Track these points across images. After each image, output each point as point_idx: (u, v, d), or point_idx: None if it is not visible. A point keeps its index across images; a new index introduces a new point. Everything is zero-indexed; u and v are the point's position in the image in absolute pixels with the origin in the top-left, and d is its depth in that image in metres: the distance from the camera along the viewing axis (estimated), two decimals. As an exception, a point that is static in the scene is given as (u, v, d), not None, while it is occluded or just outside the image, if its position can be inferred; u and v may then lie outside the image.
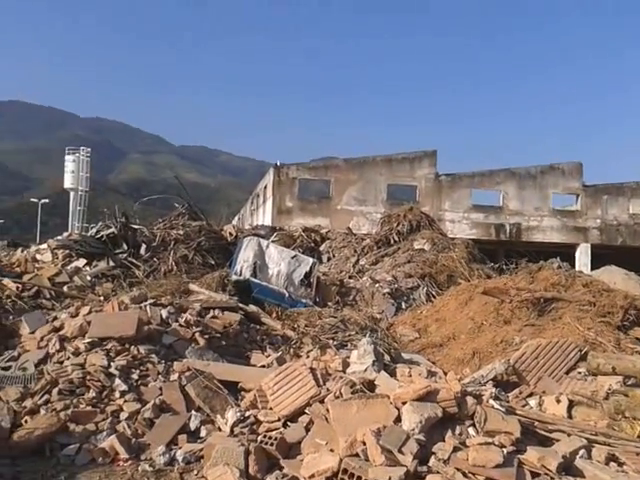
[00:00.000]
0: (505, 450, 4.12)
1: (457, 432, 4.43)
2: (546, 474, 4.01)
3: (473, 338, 8.24)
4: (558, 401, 5.49)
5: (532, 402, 5.69)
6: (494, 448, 4.10)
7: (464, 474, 4.02)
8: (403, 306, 12.10)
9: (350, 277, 14.41)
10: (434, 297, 12.35)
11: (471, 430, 4.42)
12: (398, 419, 4.55)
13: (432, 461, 4.18)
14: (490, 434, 4.34)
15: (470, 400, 4.65)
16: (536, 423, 4.77)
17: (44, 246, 12.91)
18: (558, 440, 4.55)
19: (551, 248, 30.70)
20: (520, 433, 4.37)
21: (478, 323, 8.71)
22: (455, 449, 4.21)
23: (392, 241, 17.24)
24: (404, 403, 4.63)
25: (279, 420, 5.14)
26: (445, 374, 6.07)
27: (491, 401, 4.80)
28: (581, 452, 4.34)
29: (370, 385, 5.39)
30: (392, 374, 5.76)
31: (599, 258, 29.94)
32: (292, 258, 11.55)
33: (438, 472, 4.08)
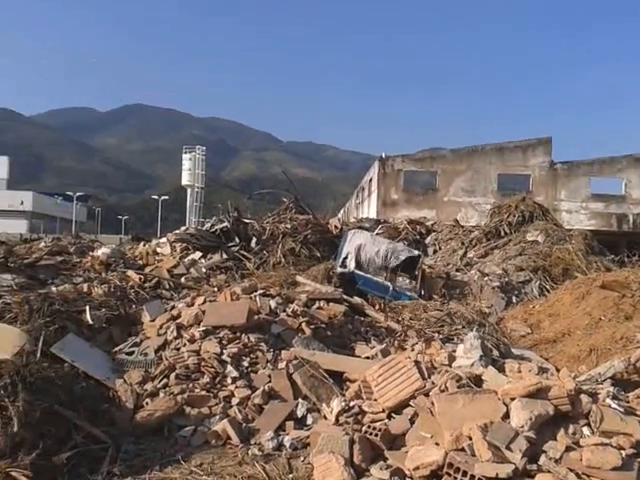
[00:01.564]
0: (624, 452, 3.87)
1: (570, 431, 4.22)
2: (671, 481, 3.73)
3: (590, 334, 7.79)
4: (687, 404, 5.07)
5: (656, 404, 5.29)
6: (611, 449, 3.87)
7: (577, 475, 3.83)
8: (514, 300, 11.66)
9: (457, 270, 14.09)
10: (548, 291, 11.80)
11: (586, 430, 4.20)
12: (506, 415, 4.42)
13: (542, 460, 4.02)
14: (607, 435, 4.09)
15: (585, 398, 4.42)
16: (660, 426, 4.44)
17: (164, 240, 13.76)
18: (686, 446, 4.21)
19: (681, 239, 28.21)
20: (641, 436, 4.09)
21: (596, 318, 8.22)
22: (568, 449, 4.02)
23: (502, 233, 16.65)
24: (513, 399, 4.49)
25: (383, 411, 5.15)
26: (558, 371, 5.79)
27: (608, 400, 4.52)
28: None
29: (477, 380, 5.26)
30: (500, 370, 5.58)
31: None
32: (396, 250, 11.48)
33: (549, 471, 3.92)
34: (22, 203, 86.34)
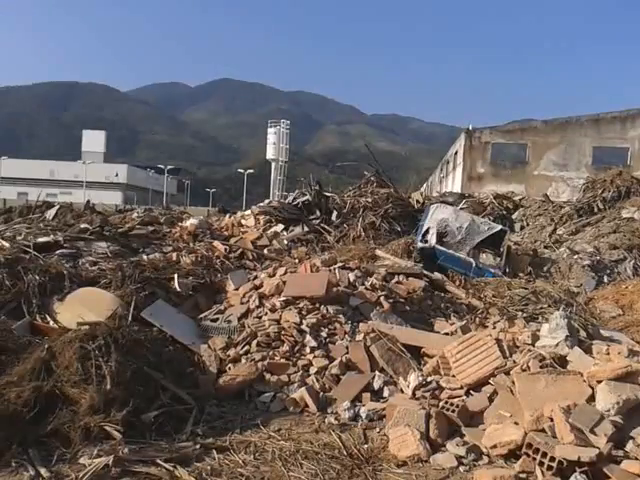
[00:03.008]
0: None
1: (661, 418, 4.02)
2: None
3: (688, 317, 7.30)
4: None
5: None
6: None
7: (668, 464, 3.64)
8: (605, 280, 11.08)
9: (545, 247, 13.55)
10: (643, 271, 11.13)
11: (679, 418, 3.98)
12: (591, 398, 4.27)
13: (630, 446, 3.86)
14: (703, 424, 3.86)
15: (679, 385, 4.17)
16: None
17: (248, 212, 14.07)
18: None
19: None
20: None
21: (696, 301, 7.68)
22: (658, 436, 3.83)
23: (596, 209, 15.81)
24: (599, 382, 4.32)
25: (461, 388, 5.10)
26: (651, 355, 5.48)
27: None
28: None
29: (561, 361, 5.09)
30: (587, 351, 5.36)
31: None
32: (481, 225, 11.15)
33: (637, 459, 3.76)
34: (117, 175, 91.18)
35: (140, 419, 4.55)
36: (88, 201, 15.56)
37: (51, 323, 6.18)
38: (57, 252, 8.39)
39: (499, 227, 11.29)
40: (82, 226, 9.99)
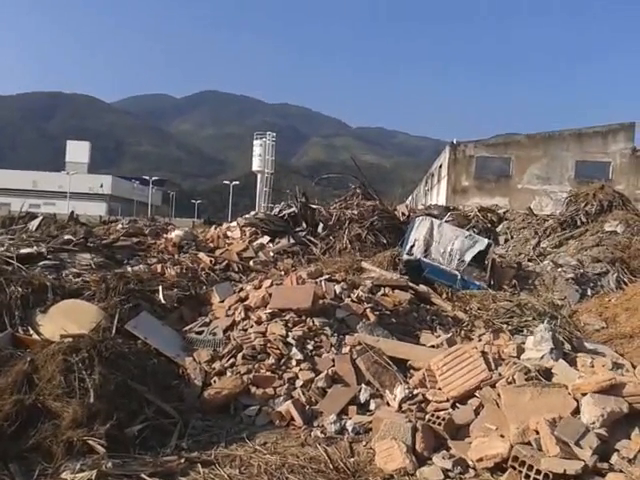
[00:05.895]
0: None
1: (645, 431, 4.04)
2: None
3: (671, 330, 7.37)
4: None
5: None
6: (691, 453, 3.68)
7: (653, 477, 3.67)
8: (589, 293, 11.16)
9: (529, 260, 13.64)
10: (625, 284, 11.22)
11: (663, 430, 4.01)
12: (576, 411, 4.29)
13: (614, 459, 3.88)
14: (686, 437, 3.89)
15: (663, 397, 4.20)
16: None
17: (234, 224, 14.03)
18: None
19: None
20: None
21: (678, 314, 7.76)
22: (642, 449, 3.85)
23: (579, 222, 15.97)
24: (584, 395, 4.34)
25: (447, 401, 5.11)
26: (634, 367, 5.53)
27: (689, 401, 4.29)
28: None
29: (546, 373, 5.13)
30: (572, 364, 5.41)
31: None
32: (466, 238, 11.20)
33: (621, 471, 3.78)
34: (102, 186, 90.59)
35: (124, 433, 4.49)
36: (72, 212, 15.40)
37: (34, 335, 6.08)
38: (40, 264, 8.30)
39: (485, 241, 11.35)
40: (66, 237, 9.89)
